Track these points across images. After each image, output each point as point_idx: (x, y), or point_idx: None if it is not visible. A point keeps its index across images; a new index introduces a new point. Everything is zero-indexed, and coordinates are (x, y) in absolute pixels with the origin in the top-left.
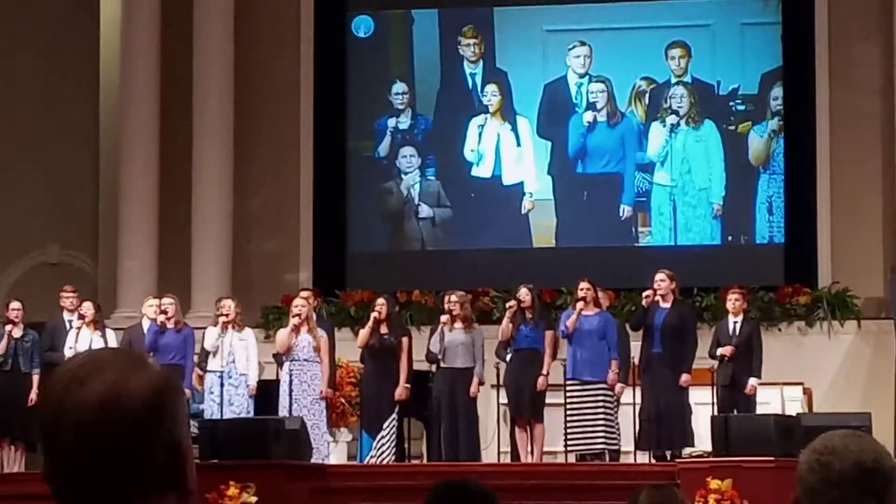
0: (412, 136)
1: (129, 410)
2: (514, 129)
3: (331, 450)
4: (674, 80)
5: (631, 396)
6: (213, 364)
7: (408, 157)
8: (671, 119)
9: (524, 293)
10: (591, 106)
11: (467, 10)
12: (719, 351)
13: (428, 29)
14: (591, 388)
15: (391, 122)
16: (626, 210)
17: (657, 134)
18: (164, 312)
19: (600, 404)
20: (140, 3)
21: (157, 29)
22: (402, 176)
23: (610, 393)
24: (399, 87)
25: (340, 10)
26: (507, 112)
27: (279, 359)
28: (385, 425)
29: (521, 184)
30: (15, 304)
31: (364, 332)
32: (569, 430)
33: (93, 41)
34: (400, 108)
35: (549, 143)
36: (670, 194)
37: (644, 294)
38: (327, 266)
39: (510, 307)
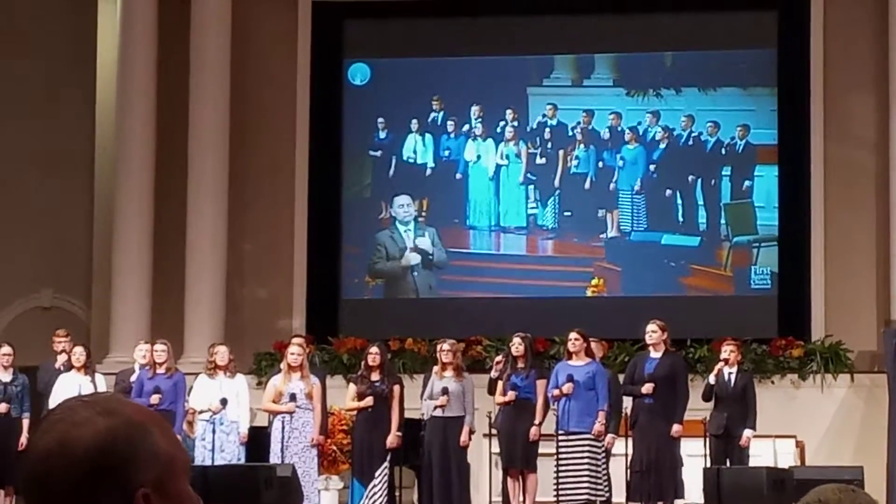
0: (406, 184)
1: (73, 461)
2: (511, 174)
3: (322, 497)
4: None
5: (623, 447)
6: (204, 411)
7: (405, 207)
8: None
9: (517, 342)
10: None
11: (462, 59)
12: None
13: (423, 76)
14: (577, 438)
15: (383, 169)
16: None
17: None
18: (156, 358)
19: (585, 455)
20: (136, 51)
21: (154, 76)
22: (398, 224)
23: (596, 444)
24: (390, 136)
25: (337, 57)
26: (504, 158)
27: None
28: (377, 473)
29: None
30: (6, 349)
31: (353, 388)
32: (557, 481)
33: (89, 87)
34: (391, 158)
35: (546, 191)
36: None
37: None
38: (320, 313)
39: (497, 363)
